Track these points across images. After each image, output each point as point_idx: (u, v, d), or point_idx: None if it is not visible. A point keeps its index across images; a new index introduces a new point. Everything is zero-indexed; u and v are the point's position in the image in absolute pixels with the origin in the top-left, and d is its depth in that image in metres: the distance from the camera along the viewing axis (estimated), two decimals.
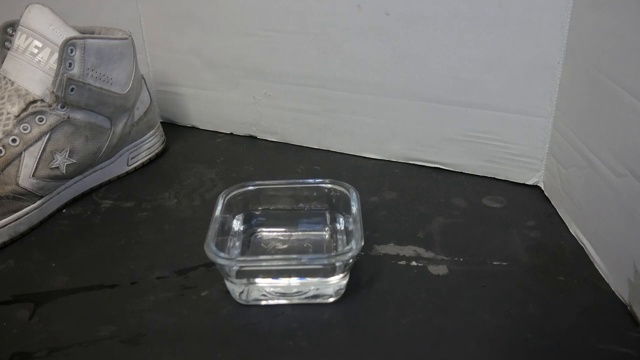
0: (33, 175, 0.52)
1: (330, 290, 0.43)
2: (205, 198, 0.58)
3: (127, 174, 0.63)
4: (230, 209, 0.48)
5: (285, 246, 0.49)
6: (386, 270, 0.47)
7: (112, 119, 0.58)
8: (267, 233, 0.50)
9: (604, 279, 0.44)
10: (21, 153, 0.51)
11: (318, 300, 0.43)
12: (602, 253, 0.45)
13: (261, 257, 0.47)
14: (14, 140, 0.51)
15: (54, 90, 0.52)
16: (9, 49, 0.54)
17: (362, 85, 0.61)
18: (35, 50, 0.52)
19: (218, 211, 0.46)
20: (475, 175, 0.60)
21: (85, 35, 0.53)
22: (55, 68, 0.52)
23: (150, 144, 0.65)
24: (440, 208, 0.55)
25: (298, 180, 0.50)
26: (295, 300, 0.43)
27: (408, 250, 0.49)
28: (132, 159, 0.63)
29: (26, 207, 0.52)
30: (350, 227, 0.44)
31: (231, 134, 0.72)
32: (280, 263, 0.42)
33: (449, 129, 0.59)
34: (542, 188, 0.57)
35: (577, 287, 0.44)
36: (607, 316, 0.41)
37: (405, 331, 0.41)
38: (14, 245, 0.51)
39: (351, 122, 0.64)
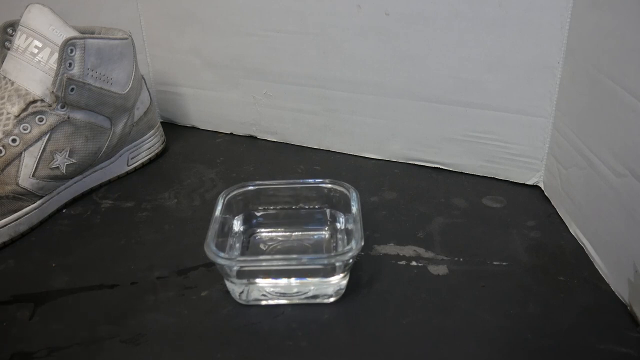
0: (33, 175, 0.52)
1: (330, 290, 0.43)
2: (205, 198, 0.58)
3: (127, 174, 0.63)
4: (230, 209, 0.48)
5: (285, 246, 0.49)
6: (386, 270, 0.47)
7: (112, 119, 0.58)
8: (267, 233, 0.50)
9: (604, 279, 0.44)
10: (21, 153, 0.51)
11: (318, 300, 0.43)
12: (602, 253, 0.45)
13: (261, 257, 0.47)
14: (14, 140, 0.51)
15: (54, 90, 0.52)
16: (9, 49, 0.54)
17: (362, 85, 0.61)
18: (35, 50, 0.52)
19: (218, 211, 0.46)
20: (475, 175, 0.60)
21: (85, 35, 0.53)
22: (55, 68, 0.52)
23: (150, 144, 0.65)
24: (440, 208, 0.55)
25: (298, 180, 0.50)
26: (295, 300, 0.43)
27: (408, 250, 0.49)
28: (132, 159, 0.63)
29: (26, 207, 0.52)
30: (350, 227, 0.44)
31: (231, 134, 0.72)
32: (280, 263, 0.42)
33: (449, 129, 0.59)
34: (542, 188, 0.57)
35: (577, 287, 0.44)
36: (607, 316, 0.41)
37: (405, 331, 0.41)
38: (14, 245, 0.51)
39: (351, 122, 0.64)
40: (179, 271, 0.47)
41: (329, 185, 0.49)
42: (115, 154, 0.61)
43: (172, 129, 0.73)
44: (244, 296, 0.43)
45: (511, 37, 0.51)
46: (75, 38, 0.52)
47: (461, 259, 0.47)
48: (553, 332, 0.40)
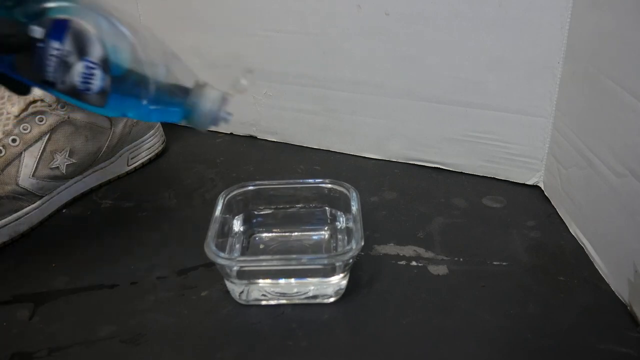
0: (33, 175, 0.52)
1: (330, 290, 0.43)
2: (205, 198, 0.58)
3: (127, 174, 0.63)
4: (230, 209, 0.48)
5: (285, 246, 0.49)
6: (386, 270, 0.47)
7: (112, 119, 0.58)
8: (267, 233, 0.50)
9: (604, 279, 0.44)
10: (21, 153, 0.51)
11: (318, 300, 0.43)
12: (602, 253, 0.45)
13: (261, 257, 0.47)
14: (14, 140, 0.51)
15: None
16: None
17: (362, 85, 0.61)
18: None
19: (218, 211, 0.46)
20: (475, 175, 0.60)
21: None
22: None
23: (150, 144, 0.65)
24: (440, 208, 0.55)
25: (298, 180, 0.50)
26: (295, 300, 0.43)
27: (408, 250, 0.49)
28: (132, 159, 0.63)
29: (26, 207, 0.52)
30: (350, 227, 0.44)
31: (231, 134, 0.72)
32: (280, 263, 0.42)
33: (449, 129, 0.59)
34: (542, 188, 0.57)
35: (577, 287, 0.44)
36: (607, 316, 0.41)
37: (405, 331, 0.41)
38: (14, 245, 0.51)
39: (351, 122, 0.64)
40: (179, 271, 0.47)
41: (329, 185, 0.49)
42: (115, 154, 0.61)
43: (172, 129, 0.73)
44: (244, 296, 0.43)
45: (511, 37, 0.51)
46: None
47: (461, 259, 0.47)
48: (553, 332, 0.40)
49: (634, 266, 0.40)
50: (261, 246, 0.49)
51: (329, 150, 0.67)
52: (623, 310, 0.41)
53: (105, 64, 0.35)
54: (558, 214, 0.53)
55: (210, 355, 0.39)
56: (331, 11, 0.58)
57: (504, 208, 0.55)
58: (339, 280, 0.42)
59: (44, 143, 0.53)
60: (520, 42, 0.51)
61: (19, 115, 0.51)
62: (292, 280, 0.43)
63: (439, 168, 0.62)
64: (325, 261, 0.41)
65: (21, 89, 0.38)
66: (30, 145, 0.52)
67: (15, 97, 0.52)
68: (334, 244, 0.48)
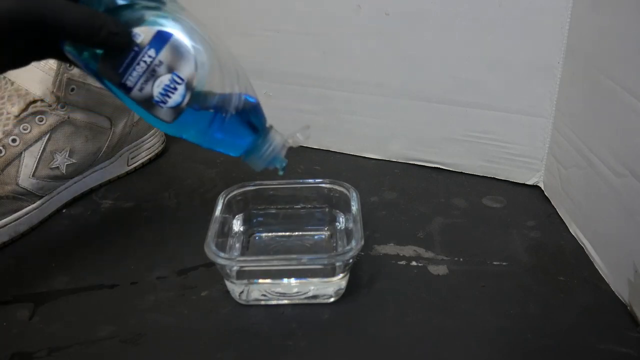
0: (33, 175, 0.52)
1: (330, 290, 0.43)
2: (205, 198, 0.58)
3: (127, 174, 0.63)
4: (230, 209, 0.48)
5: (285, 246, 0.49)
6: (386, 270, 0.47)
7: (112, 119, 0.58)
8: (267, 233, 0.50)
9: (604, 279, 0.44)
10: (21, 153, 0.51)
11: (318, 300, 0.43)
12: (602, 253, 0.45)
13: (261, 257, 0.47)
14: (14, 140, 0.51)
15: (54, 91, 0.52)
16: None
17: (362, 85, 0.61)
18: None
19: (218, 211, 0.46)
20: (475, 175, 0.60)
21: None
22: (55, 68, 0.52)
23: (150, 144, 0.65)
24: (440, 208, 0.55)
25: (298, 180, 0.50)
26: (295, 301, 0.43)
27: (408, 250, 0.49)
28: (132, 159, 0.63)
29: (26, 207, 0.52)
30: (350, 227, 0.44)
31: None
32: (280, 263, 0.43)
33: (449, 129, 0.59)
34: (542, 188, 0.57)
35: (577, 287, 0.44)
36: (607, 316, 0.41)
37: (405, 331, 0.41)
38: (14, 245, 0.51)
39: (351, 122, 0.64)
40: (179, 271, 0.47)
41: (329, 185, 0.49)
42: (115, 154, 0.61)
43: None
44: (244, 296, 0.43)
45: (511, 37, 0.51)
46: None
47: (461, 259, 0.47)
48: (553, 332, 0.40)
49: (634, 266, 0.40)
50: (261, 246, 0.49)
51: (329, 150, 0.67)
52: (623, 310, 0.41)
53: (191, 83, 0.35)
54: (558, 214, 0.53)
55: (210, 355, 0.39)
56: (331, 11, 0.58)
57: (504, 208, 0.55)
58: (339, 280, 0.42)
59: (44, 143, 0.53)
60: (520, 42, 0.51)
61: (19, 115, 0.51)
62: (292, 280, 0.43)
63: (439, 168, 0.62)
64: (325, 261, 0.41)
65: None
66: (30, 145, 0.52)
67: (15, 97, 0.52)
68: (334, 244, 0.48)
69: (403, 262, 0.47)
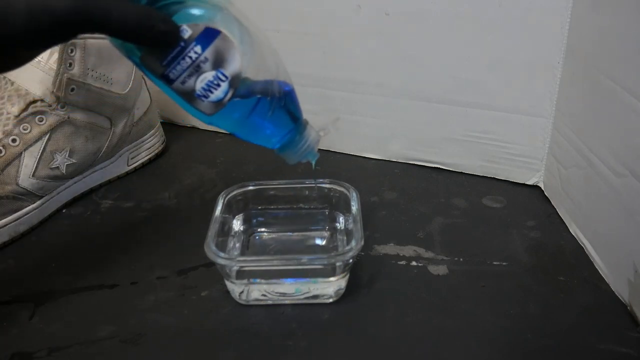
0: (33, 175, 0.52)
1: (330, 290, 0.43)
2: (205, 198, 0.58)
3: (127, 174, 0.63)
4: (230, 209, 0.48)
5: (285, 246, 0.49)
6: (386, 270, 0.47)
7: (112, 119, 0.58)
8: (267, 233, 0.50)
9: (604, 279, 0.44)
10: (21, 153, 0.51)
11: (318, 300, 0.43)
12: (602, 253, 0.45)
13: (261, 257, 0.47)
14: (14, 140, 0.51)
15: (54, 91, 0.52)
16: None
17: (362, 85, 0.61)
18: None
19: (218, 211, 0.46)
20: (475, 175, 0.60)
21: (86, 35, 0.53)
22: (55, 68, 0.52)
23: (150, 144, 0.65)
24: (440, 208, 0.55)
25: (298, 180, 0.50)
26: (295, 301, 0.43)
27: (408, 250, 0.49)
28: (132, 159, 0.63)
29: (26, 207, 0.52)
30: (350, 227, 0.44)
31: (231, 133, 0.72)
32: (280, 263, 0.43)
33: (449, 129, 0.59)
34: (542, 188, 0.57)
35: (577, 287, 0.44)
36: (607, 316, 0.41)
37: (405, 331, 0.41)
38: (14, 245, 0.51)
39: (351, 122, 0.64)
40: (179, 271, 0.47)
41: (329, 185, 0.49)
42: (115, 154, 0.61)
43: (172, 129, 0.73)
44: (244, 296, 0.43)
45: (511, 37, 0.51)
46: (75, 38, 0.52)
47: (461, 259, 0.47)
48: (553, 332, 0.40)
49: (634, 266, 0.40)
50: (261, 246, 0.49)
51: (329, 150, 0.67)
52: (623, 310, 0.41)
53: (236, 80, 0.34)
54: (558, 214, 0.53)
55: (210, 355, 0.39)
56: (331, 11, 0.58)
57: (504, 208, 0.55)
58: (339, 280, 0.42)
59: (44, 143, 0.53)
60: (520, 42, 0.51)
61: (19, 115, 0.51)
62: (292, 280, 0.43)
63: (439, 168, 0.62)
64: (325, 261, 0.41)
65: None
66: (30, 145, 0.52)
67: (15, 97, 0.52)
68: (334, 244, 0.48)
69: (403, 262, 0.47)
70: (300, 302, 0.43)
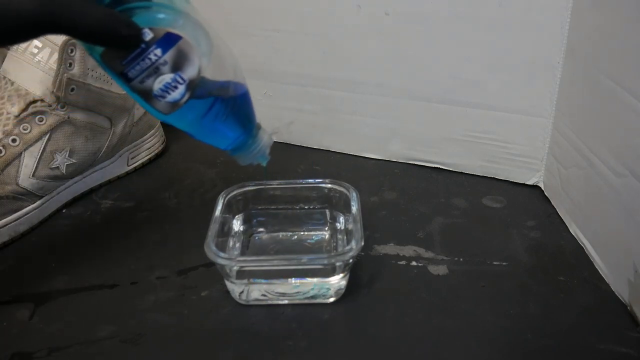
0: (33, 175, 0.52)
1: (330, 291, 0.43)
2: (205, 198, 0.58)
3: (127, 174, 0.63)
4: (230, 209, 0.48)
5: (285, 246, 0.49)
6: (386, 270, 0.47)
7: (112, 119, 0.58)
8: (267, 233, 0.50)
9: (604, 279, 0.44)
10: (21, 153, 0.51)
11: (318, 300, 0.43)
12: (602, 253, 0.45)
13: (261, 257, 0.47)
14: (14, 140, 0.51)
15: (54, 91, 0.52)
16: (9, 49, 0.54)
17: (362, 85, 0.61)
18: (35, 50, 0.52)
19: (218, 211, 0.46)
20: (475, 175, 0.60)
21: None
22: (55, 68, 0.52)
23: (150, 144, 0.65)
24: (440, 208, 0.55)
25: (298, 180, 0.50)
26: (295, 301, 0.43)
27: (408, 250, 0.49)
28: (132, 159, 0.63)
29: (26, 207, 0.52)
30: (350, 227, 0.44)
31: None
32: (280, 263, 0.43)
33: (449, 129, 0.59)
34: (542, 188, 0.57)
35: (577, 287, 0.44)
36: (607, 316, 0.41)
37: (405, 331, 0.41)
38: (14, 245, 0.51)
39: (351, 122, 0.64)
40: (179, 271, 0.47)
41: (329, 185, 0.49)
42: (115, 154, 0.61)
43: (172, 129, 0.72)
44: (244, 296, 0.43)
45: (511, 37, 0.51)
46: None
47: (461, 259, 0.47)
48: (553, 332, 0.40)
49: (634, 266, 0.40)
50: (261, 246, 0.49)
51: (329, 150, 0.67)
52: (623, 310, 0.41)
53: (193, 83, 0.35)
54: (558, 214, 0.53)
55: (210, 355, 0.39)
56: (331, 11, 0.58)
57: (504, 208, 0.55)
58: (339, 280, 0.42)
59: (44, 143, 0.53)
60: (520, 42, 0.51)
61: (19, 115, 0.51)
62: (292, 280, 0.43)
63: (439, 168, 0.62)
64: (325, 261, 0.41)
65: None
66: (30, 145, 0.52)
67: (15, 97, 0.52)
68: (334, 244, 0.48)
69: (403, 262, 0.47)
70: (300, 302, 0.43)
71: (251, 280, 0.43)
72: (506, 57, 0.53)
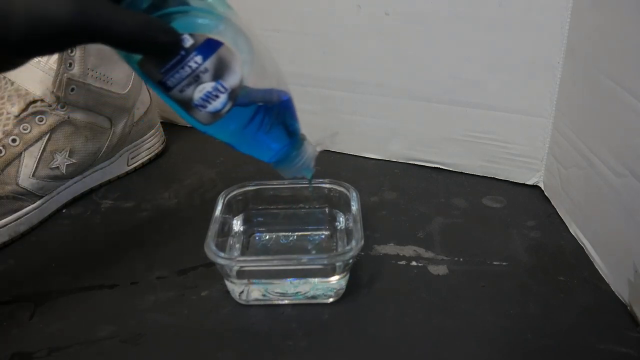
0: (33, 175, 0.52)
1: (330, 291, 0.43)
2: (205, 198, 0.58)
3: (127, 174, 0.63)
4: (230, 209, 0.48)
5: (285, 246, 0.49)
6: (386, 270, 0.47)
7: (112, 119, 0.58)
8: (267, 233, 0.50)
9: (604, 279, 0.44)
10: (21, 153, 0.51)
11: (318, 300, 0.43)
12: (602, 253, 0.45)
13: (261, 257, 0.47)
14: (13, 140, 0.51)
15: (54, 91, 0.52)
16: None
17: (362, 85, 0.61)
18: None
19: (218, 211, 0.46)
20: (475, 175, 0.60)
21: None
22: (55, 68, 0.52)
23: (150, 144, 0.65)
24: (440, 208, 0.55)
25: (298, 180, 0.50)
26: (295, 301, 0.43)
27: (408, 250, 0.49)
28: (132, 159, 0.63)
29: (26, 207, 0.52)
30: (350, 227, 0.44)
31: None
32: (280, 263, 0.42)
33: (449, 129, 0.59)
34: (542, 188, 0.57)
35: (577, 287, 0.44)
36: (607, 316, 0.41)
37: (405, 331, 0.41)
38: (14, 245, 0.51)
39: (351, 122, 0.64)
40: (179, 271, 0.47)
41: (329, 185, 0.49)
42: (115, 154, 0.61)
43: (172, 129, 0.73)
44: (244, 296, 0.43)
45: (511, 37, 0.51)
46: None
47: (461, 259, 0.47)
48: (553, 332, 0.40)
49: (634, 266, 0.40)
50: (261, 246, 0.49)
51: (329, 150, 0.67)
52: (623, 310, 0.41)
53: (235, 92, 0.34)
54: (558, 214, 0.53)
55: (210, 355, 0.39)
56: (331, 11, 0.58)
57: (504, 208, 0.55)
58: (339, 280, 0.42)
59: (44, 143, 0.53)
60: (520, 42, 0.51)
61: (19, 115, 0.51)
62: (292, 280, 0.43)
63: (439, 168, 0.62)
64: (325, 261, 0.41)
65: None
66: (30, 145, 0.52)
67: (15, 97, 0.52)
68: (334, 244, 0.48)
69: (403, 262, 0.47)
70: (300, 302, 0.43)
71: (251, 280, 0.43)
72: (506, 57, 0.53)
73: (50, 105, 0.52)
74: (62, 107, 0.53)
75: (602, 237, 0.45)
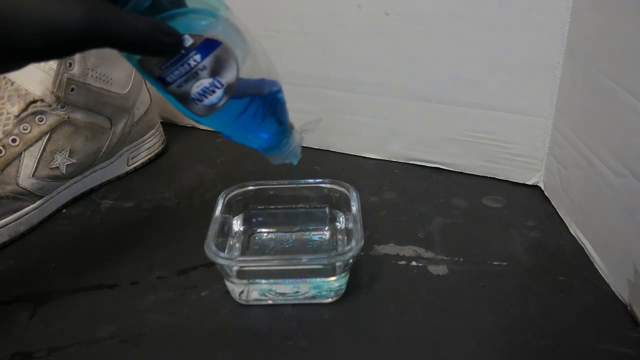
0: (33, 175, 0.52)
1: (330, 291, 0.43)
2: (205, 198, 0.58)
3: (127, 174, 0.63)
4: (230, 209, 0.48)
5: (285, 246, 0.49)
6: (386, 270, 0.47)
7: (112, 119, 0.58)
8: (267, 233, 0.50)
9: (604, 279, 0.44)
10: (21, 153, 0.51)
11: (318, 300, 0.43)
12: (602, 253, 0.45)
13: (261, 257, 0.47)
14: (14, 140, 0.51)
15: (54, 91, 0.52)
16: None
17: (362, 85, 0.61)
18: None
19: (218, 211, 0.46)
20: (475, 175, 0.60)
21: None
22: (55, 68, 0.52)
23: (150, 144, 0.65)
24: (440, 208, 0.55)
25: (298, 180, 0.50)
26: (295, 301, 0.43)
27: (408, 250, 0.49)
28: (132, 159, 0.63)
29: (26, 207, 0.52)
30: (350, 227, 0.44)
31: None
32: (280, 263, 0.42)
33: (449, 129, 0.59)
34: (542, 188, 0.57)
35: (577, 287, 0.44)
36: (607, 316, 0.41)
37: (405, 331, 0.41)
38: (14, 245, 0.51)
39: (351, 122, 0.64)
40: (179, 271, 0.47)
41: (329, 185, 0.49)
42: (115, 154, 0.61)
43: (172, 129, 0.73)
44: (244, 296, 0.43)
45: (511, 37, 0.51)
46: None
47: (461, 259, 0.47)
48: (553, 332, 0.40)
49: (634, 266, 0.40)
50: (261, 246, 0.49)
51: (329, 150, 0.67)
52: (623, 310, 0.41)
53: (231, 88, 0.35)
54: (558, 214, 0.53)
55: (210, 355, 0.39)
56: (331, 11, 0.58)
57: (504, 208, 0.55)
58: (339, 280, 0.42)
59: (44, 143, 0.53)
60: (520, 42, 0.51)
61: (19, 115, 0.51)
62: (292, 280, 0.43)
63: (439, 168, 0.62)
64: (325, 261, 0.41)
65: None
66: (30, 145, 0.52)
67: (15, 97, 0.52)
68: (334, 244, 0.48)
69: (403, 262, 0.47)
70: (300, 302, 0.43)
71: (251, 280, 0.43)
72: (506, 57, 0.53)
73: (50, 105, 0.52)
74: (62, 107, 0.53)
75: (602, 237, 0.45)
